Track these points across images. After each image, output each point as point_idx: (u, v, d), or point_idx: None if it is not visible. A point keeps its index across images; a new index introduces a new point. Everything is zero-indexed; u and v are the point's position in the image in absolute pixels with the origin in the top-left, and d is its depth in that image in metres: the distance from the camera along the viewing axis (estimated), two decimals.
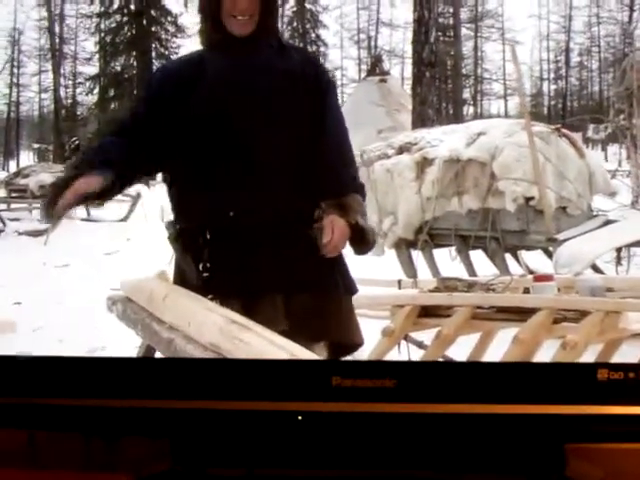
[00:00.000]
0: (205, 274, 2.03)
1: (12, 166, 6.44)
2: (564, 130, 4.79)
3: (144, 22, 5.99)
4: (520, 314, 2.92)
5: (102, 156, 1.99)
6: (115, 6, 5.93)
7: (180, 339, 1.93)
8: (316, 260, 2.01)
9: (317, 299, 2.05)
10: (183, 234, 2.09)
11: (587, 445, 1.71)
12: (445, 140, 4.88)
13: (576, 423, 1.66)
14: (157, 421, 1.72)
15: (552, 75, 6.56)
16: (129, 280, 2.32)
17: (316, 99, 2.10)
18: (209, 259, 2.03)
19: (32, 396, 1.72)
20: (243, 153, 2.04)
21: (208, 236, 2.03)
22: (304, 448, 1.71)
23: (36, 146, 6.34)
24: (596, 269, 4.45)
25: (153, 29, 6.00)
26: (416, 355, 3.17)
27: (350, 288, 2.16)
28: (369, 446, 1.71)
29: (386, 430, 1.70)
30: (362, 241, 2.08)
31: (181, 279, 2.11)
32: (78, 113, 5.52)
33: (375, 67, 6.51)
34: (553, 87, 6.61)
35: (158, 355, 2.22)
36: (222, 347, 1.80)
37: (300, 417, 1.67)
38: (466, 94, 6.57)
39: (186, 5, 5.96)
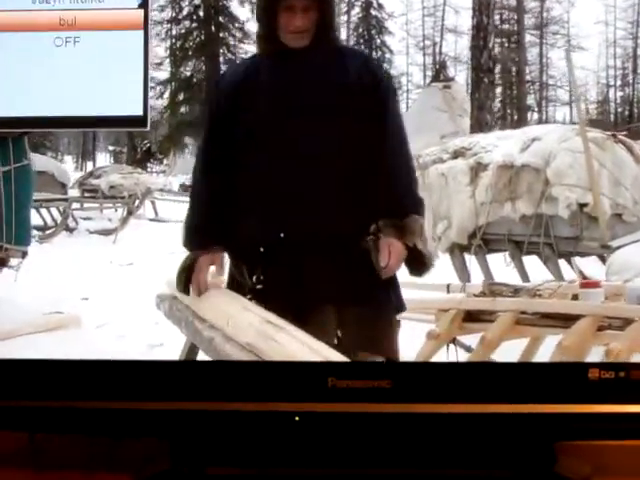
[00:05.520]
0: (258, 286, 2.05)
1: (89, 167, 6.64)
2: (620, 136, 4.74)
3: (212, 28, 6.11)
4: (565, 320, 2.94)
5: (203, 233, 2.12)
6: (185, 12, 6.07)
7: (220, 338, 2.00)
8: (369, 274, 2.00)
9: (370, 313, 2.05)
10: (237, 245, 2.12)
11: (576, 442, 1.78)
12: (500, 145, 4.88)
13: (566, 421, 1.71)
14: (157, 422, 1.80)
15: (619, 82, 6.45)
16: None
17: (374, 111, 2.05)
18: (262, 272, 2.05)
19: (33, 399, 1.80)
20: (294, 169, 2.02)
21: (262, 249, 2.04)
22: (301, 448, 1.77)
23: (111, 148, 6.53)
24: None
25: (221, 35, 6.11)
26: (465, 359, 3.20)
27: (400, 305, 2.15)
28: (365, 445, 1.77)
29: (381, 429, 1.75)
30: (419, 265, 2.08)
31: (233, 288, 2.15)
32: (149, 117, 5.65)
33: (439, 73, 6.51)
34: (620, 94, 6.49)
35: (201, 354, 2.29)
36: (257, 347, 1.86)
37: (297, 418, 1.74)
38: (531, 100, 6.50)
39: (253, 12, 6.06)
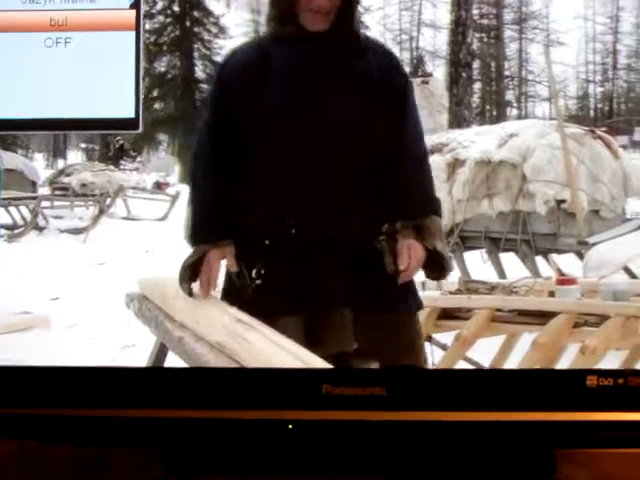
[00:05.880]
0: (258, 281, 1.92)
1: (60, 165, 6.56)
2: (599, 131, 4.72)
3: (187, 23, 6.03)
4: (541, 317, 2.91)
5: (212, 225, 1.96)
6: (159, 7, 5.99)
7: (189, 337, 1.93)
8: (387, 276, 1.89)
9: (389, 319, 1.93)
10: (244, 240, 1.96)
11: (576, 450, 1.73)
12: (477, 141, 4.85)
13: (566, 429, 1.67)
14: (147, 430, 1.74)
15: (599, 77, 6.42)
16: (145, 278, 2.32)
17: (393, 105, 1.92)
18: (264, 266, 1.91)
19: (22, 406, 1.74)
20: (309, 163, 1.89)
21: (266, 242, 1.90)
22: (295, 456, 1.72)
23: (83, 146, 6.45)
24: (631, 274, 4.37)
25: (196, 30, 6.03)
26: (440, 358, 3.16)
27: (418, 304, 2.01)
28: (360, 454, 1.71)
29: (377, 438, 1.70)
30: (438, 268, 1.94)
31: (230, 288, 2.00)
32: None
33: (417, 68, 6.46)
34: (600, 89, 6.47)
35: (171, 354, 2.23)
36: (227, 346, 1.79)
37: (291, 426, 1.68)
38: (510, 96, 6.47)
39: (228, 6, 5.98)
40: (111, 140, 6.32)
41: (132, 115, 2.11)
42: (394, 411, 1.69)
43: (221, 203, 1.95)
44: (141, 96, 2.11)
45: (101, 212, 5.58)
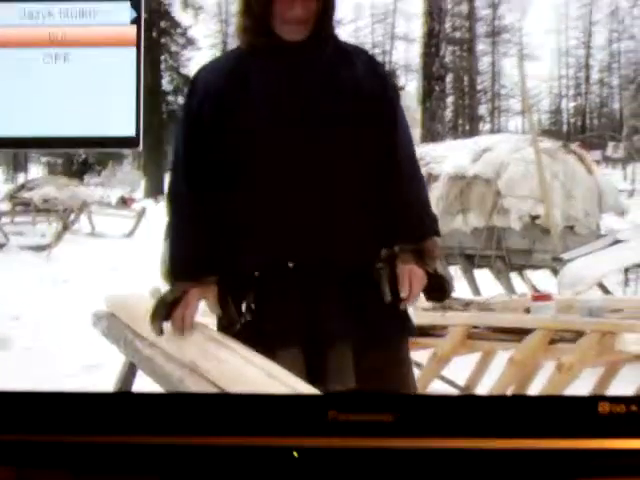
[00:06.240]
0: (248, 317, 1.78)
1: (22, 179, 6.48)
2: (573, 146, 4.72)
3: (154, 34, 5.95)
4: (517, 334, 2.85)
5: (194, 261, 1.80)
6: None
7: (159, 356, 1.85)
8: (382, 306, 1.77)
9: (387, 348, 1.81)
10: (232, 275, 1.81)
11: (589, 479, 1.67)
12: (450, 156, 4.81)
13: (577, 457, 1.62)
14: (148, 457, 1.67)
15: (571, 92, 6.43)
16: (114, 296, 2.23)
17: (384, 118, 1.79)
18: (255, 300, 1.78)
19: (20, 432, 1.68)
20: (299, 187, 1.75)
21: (256, 273, 1.77)
22: None
23: (45, 159, 6.34)
24: (605, 290, 4.35)
25: (163, 41, 5.95)
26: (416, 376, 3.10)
27: (411, 329, 1.88)
28: None
29: (385, 466, 1.65)
30: (439, 291, 1.84)
31: (222, 322, 1.84)
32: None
33: None
34: (572, 104, 6.48)
35: (140, 373, 2.14)
36: (200, 365, 1.72)
37: (296, 453, 1.63)
38: (483, 110, 6.46)
39: (196, 17, 5.91)
40: (74, 154, 6.20)
41: (132, 133, 2.03)
42: (402, 437, 1.63)
43: (204, 234, 1.79)
44: (142, 113, 2.02)
45: (65, 228, 5.45)
